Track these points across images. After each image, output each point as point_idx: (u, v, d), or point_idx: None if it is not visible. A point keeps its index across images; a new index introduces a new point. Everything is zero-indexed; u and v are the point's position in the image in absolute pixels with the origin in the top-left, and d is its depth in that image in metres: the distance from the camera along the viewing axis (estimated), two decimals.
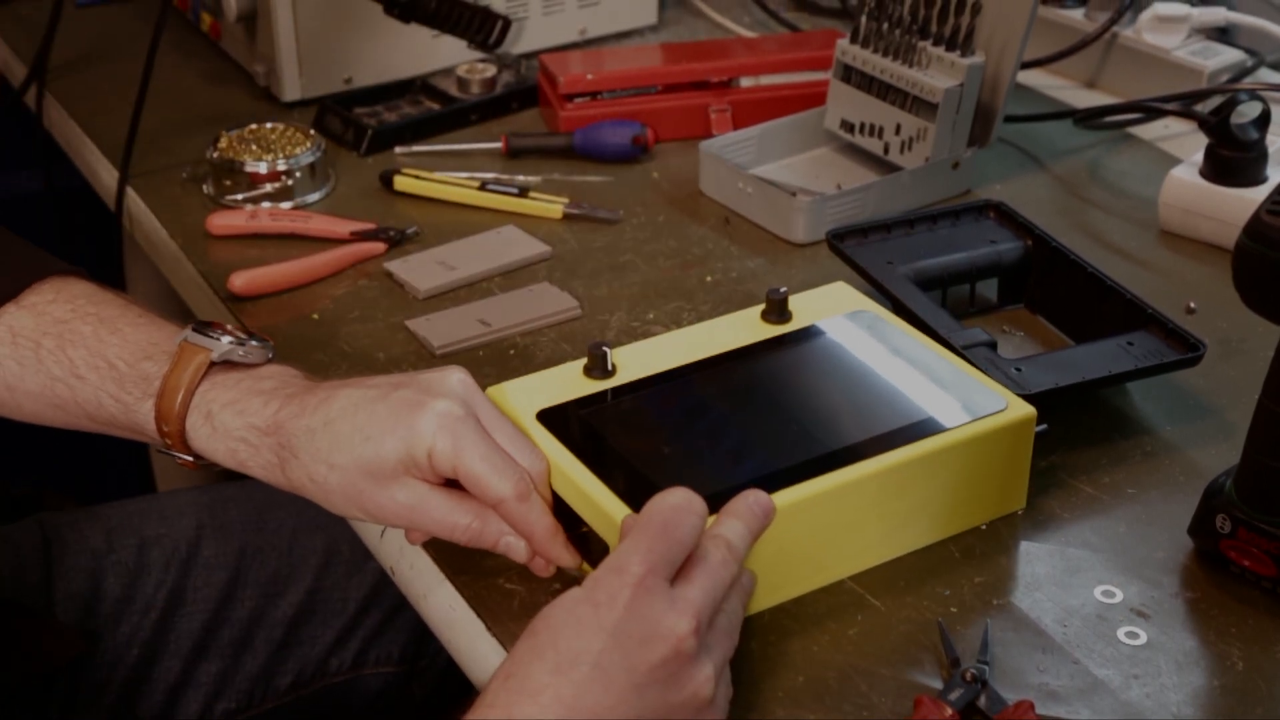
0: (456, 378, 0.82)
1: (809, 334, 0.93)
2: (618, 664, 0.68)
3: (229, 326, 0.86)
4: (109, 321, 0.88)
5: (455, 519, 0.80)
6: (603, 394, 0.87)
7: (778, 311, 0.93)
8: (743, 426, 0.86)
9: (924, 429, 0.84)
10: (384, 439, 0.79)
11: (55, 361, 0.87)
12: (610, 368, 0.88)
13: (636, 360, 0.89)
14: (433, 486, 0.80)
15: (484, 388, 0.88)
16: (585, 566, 0.82)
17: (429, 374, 0.82)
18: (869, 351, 0.91)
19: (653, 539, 0.71)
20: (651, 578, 0.70)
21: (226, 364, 0.84)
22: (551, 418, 0.84)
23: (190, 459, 0.85)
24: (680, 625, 0.69)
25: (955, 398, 0.87)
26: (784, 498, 0.79)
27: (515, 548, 0.81)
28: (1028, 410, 0.86)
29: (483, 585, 0.84)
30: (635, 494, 0.78)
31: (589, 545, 0.83)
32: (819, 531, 0.81)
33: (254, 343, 0.86)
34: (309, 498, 0.82)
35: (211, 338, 0.84)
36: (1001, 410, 0.85)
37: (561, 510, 0.83)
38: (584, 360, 0.88)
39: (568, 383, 0.87)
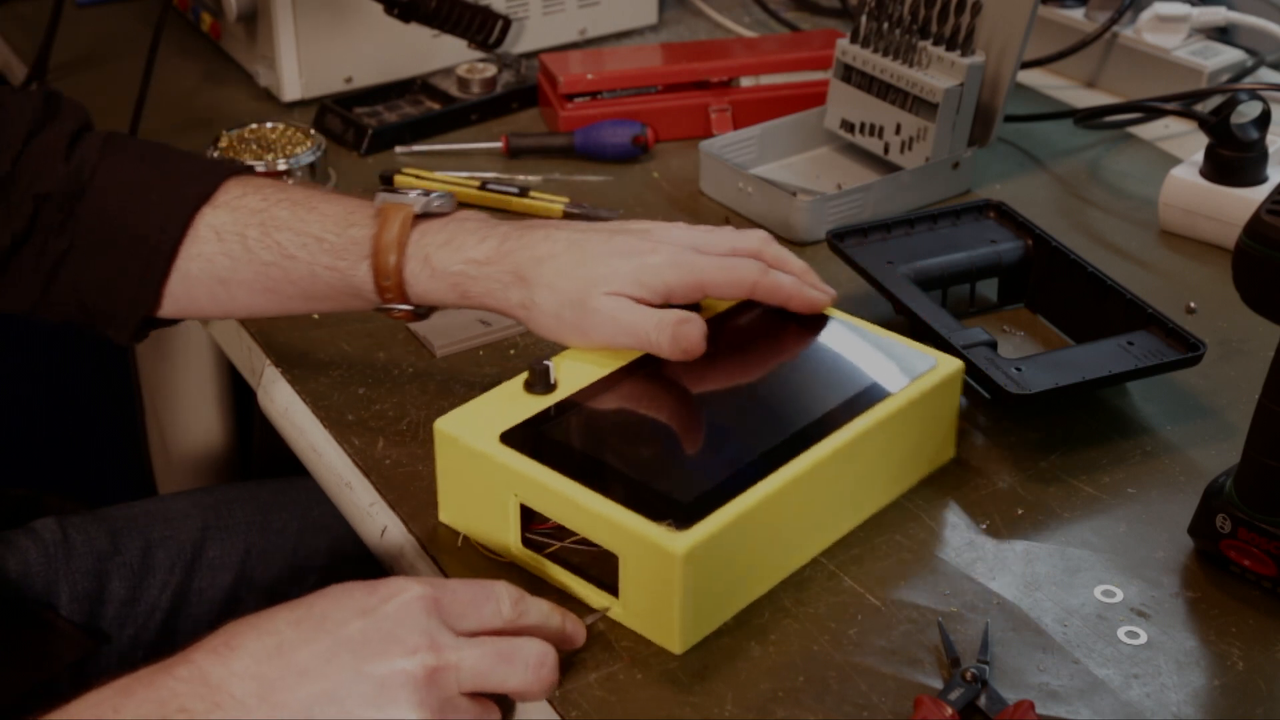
0: (678, 230, 0.91)
1: (728, 318, 0.93)
2: (349, 650, 0.69)
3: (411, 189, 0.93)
4: (302, 203, 0.93)
5: (650, 318, 0.86)
6: (560, 405, 0.85)
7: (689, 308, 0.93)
8: (704, 417, 0.87)
9: (875, 394, 0.87)
10: (616, 264, 0.87)
11: (263, 248, 0.92)
12: (552, 382, 0.87)
13: (575, 369, 0.88)
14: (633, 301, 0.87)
15: (486, 388, 0.88)
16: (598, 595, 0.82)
17: (642, 224, 0.91)
18: (796, 329, 0.92)
19: (459, 588, 0.73)
20: (434, 602, 0.71)
21: (426, 215, 0.91)
22: (515, 438, 0.83)
23: (408, 309, 0.91)
24: (418, 657, 0.69)
25: (890, 361, 0.90)
26: (779, 478, 0.80)
27: (691, 335, 0.87)
28: (957, 364, 0.90)
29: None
30: (623, 495, 0.78)
31: (572, 561, 0.83)
32: (804, 508, 0.83)
33: (438, 195, 0.92)
34: (514, 317, 0.89)
35: (404, 194, 0.91)
36: (934, 367, 0.89)
37: (531, 527, 0.83)
38: (524, 376, 0.87)
39: (515, 401, 0.86)
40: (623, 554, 0.78)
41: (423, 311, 0.92)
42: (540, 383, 0.86)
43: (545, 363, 0.86)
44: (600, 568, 0.81)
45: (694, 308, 0.91)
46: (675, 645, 0.79)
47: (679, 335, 0.87)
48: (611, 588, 0.80)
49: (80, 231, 0.94)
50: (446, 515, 0.88)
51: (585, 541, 0.81)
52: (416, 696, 0.69)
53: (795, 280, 0.92)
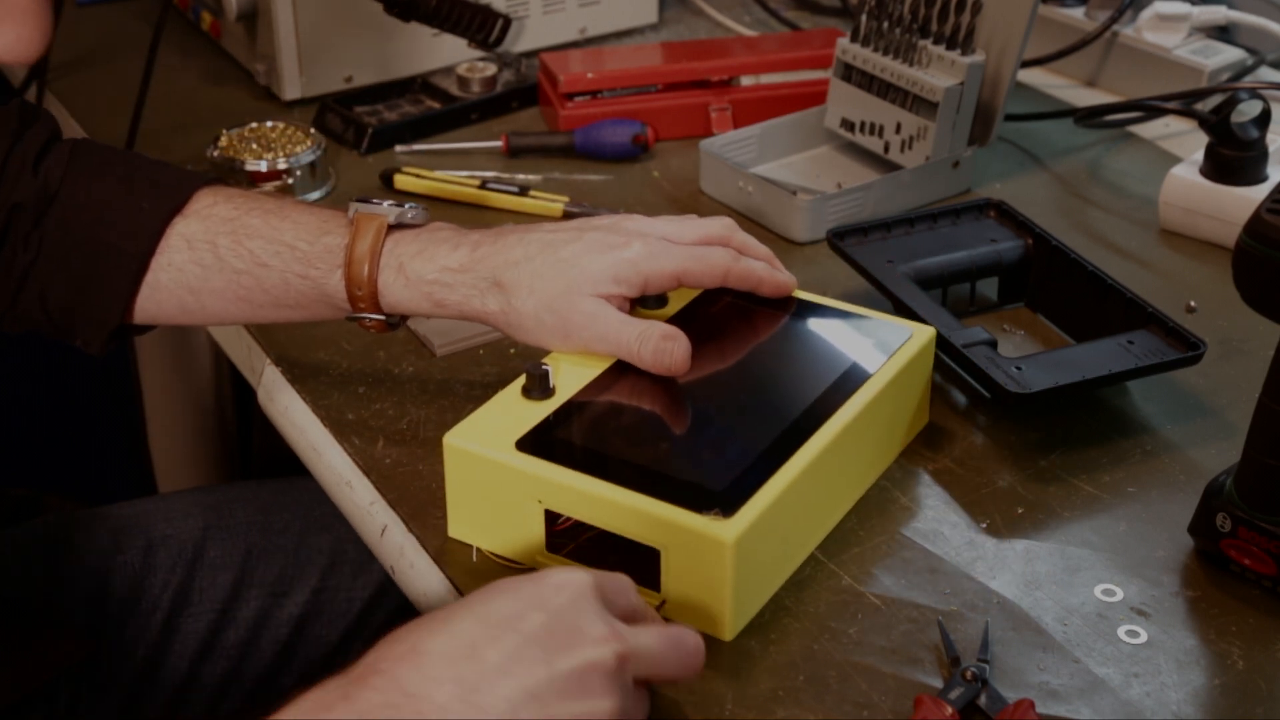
0: (646, 221, 0.91)
1: (700, 306, 0.93)
2: (537, 645, 0.67)
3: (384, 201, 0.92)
4: (274, 212, 0.93)
5: (632, 329, 0.87)
6: (566, 407, 0.85)
7: (656, 298, 0.93)
8: (708, 406, 0.87)
9: (868, 367, 0.89)
10: (590, 261, 0.87)
11: (235, 256, 0.92)
12: (551, 386, 0.86)
13: (568, 371, 0.88)
14: (612, 306, 0.88)
15: (486, 387, 0.88)
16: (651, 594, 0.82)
17: (609, 218, 0.92)
18: (770, 313, 0.93)
19: (605, 576, 0.72)
20: (600, 591, 0.70)
21: (400, 226, 0.91)
22: (531, 444, 0.82)
23: (380, 319, 0.91)
24: (608, 647, 0.68)
25: (869, 336, 0.92)
26: (802, 459, 0.81)
27: (675, 352, 0.87)
28: (930, 331, 0.93)
29: (483, 584, 0.83)
30: (657, 490, 0.78)
31: (604, 554, 0.82)
32: (823, 485, 0.84)
33: (411, 205, 0.92)
34: (492, 324, 0.89)
35: (377, 204, 0.91)
36: (911, 338, 0.91)
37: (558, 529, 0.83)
38: (520, 382, 0.87)
39: (517, 408, 0.85)
40: (666, 547, 0.78)
41: (395, 321, 0.92)
42: (539, 387, 0.86)
43: (544, 367, 0.86)
44: (623, 561, 0.81)
45: (661, 295, 0.92)
46: (725, 633, 0.79)
47: (662, 351, 0.87)
48: (644, 581, 0.80)
49: (46, 243, 0.93)
50: (457, 530, 0.87)
51: (603, 537, 0.81)
52: (610, 685, 0.67)
53: (765, 265, 0.93)
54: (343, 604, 1.16)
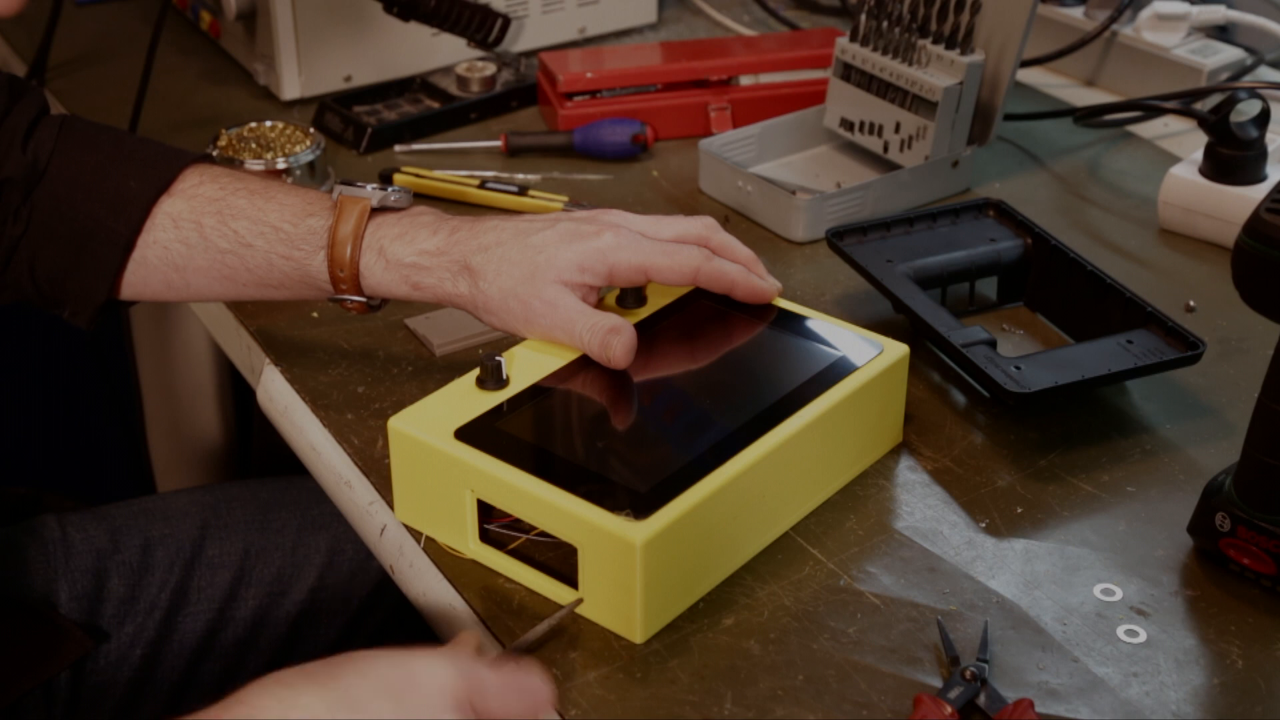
0: (625, 215, 0.91)
1: (678, 307, 0.93)
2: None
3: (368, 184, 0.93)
4: (259, 192, 0.94)
5: (586, 319, 0.87)
6: (514, 399, 0.86)
7: (634, 297, 0.93)
8: (657, 408, 0.87)
9: (826, 380, 0.87)
10: (558, 249, 0.87)
11: (220, 236, 0.93)
12: (504, 377, 0.87)
13: (527, 364, 0.89)
14: (575, 295, 0.88)
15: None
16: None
17: (590, 211, 0.92)
18: (745, 319, 0.93)
19: (490, 681, 0.68)
20: (464, 698, 0.67)
21: (382, 209, 0.92)
22: (470, 433, 0.83)
23: (361, 300, 0.92)
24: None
25: (838, 348, 0.91)
26: (734, 466, 0.81)
27: (614, 345, 0.87)
28: (903, 348, 0.91)
29: (481, 584, 0.84)
30: (581, 487, 0.79)
31: (531, 553, 0.83)
32: (759, 494, 0.83)
33: (394, 189, 0.92)
34: (460, 307, 0.90)
35: (361, 187, 0.92)
36: (882, 352, 0.90)
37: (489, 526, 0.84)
38: (476, 372, 0.87)
39: (468, 397, 0.86)
40: (582, 545, 0.79)
41: (375, 304, 0.93)
42: (492, 378, 0.86)
43: (497, 358, 0.87)
44: (561, 559, 0.82)
45: (639, 294, 0.92)
46: (636, 635, 0.79)
47: (605, 343, 0.87)
48: (572, 579, 0.81)
49: (36, 217, 0.94)
50: (403, 514, 0.88)
51: (546, 534, 0.82)
52: None
53: (741, 269, 0.92)
54: (340, 603, 1.16)
